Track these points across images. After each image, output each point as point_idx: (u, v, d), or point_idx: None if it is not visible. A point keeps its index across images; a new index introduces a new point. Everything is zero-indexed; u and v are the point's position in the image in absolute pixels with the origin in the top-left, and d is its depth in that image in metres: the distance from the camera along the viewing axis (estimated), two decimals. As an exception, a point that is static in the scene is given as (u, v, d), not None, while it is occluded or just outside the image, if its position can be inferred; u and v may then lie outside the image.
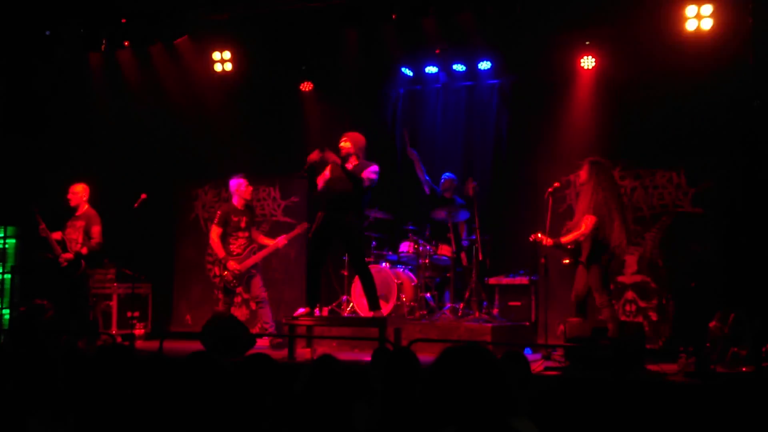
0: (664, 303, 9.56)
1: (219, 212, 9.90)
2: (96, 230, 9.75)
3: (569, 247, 8.40)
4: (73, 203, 9.84)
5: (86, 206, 9.87)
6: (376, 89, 12.06)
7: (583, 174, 8.37)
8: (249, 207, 9.99)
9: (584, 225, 8.14)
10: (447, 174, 10.70)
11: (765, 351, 7.15)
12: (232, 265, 9.67)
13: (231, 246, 9.72)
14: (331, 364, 4.68)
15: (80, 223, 9.74)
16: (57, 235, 9.71)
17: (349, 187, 8.53)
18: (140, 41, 10.30)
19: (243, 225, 9.76)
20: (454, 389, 2.59)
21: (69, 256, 9.61)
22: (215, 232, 9.75)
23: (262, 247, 9.84)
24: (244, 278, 9.72)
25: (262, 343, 9.90)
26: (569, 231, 8.35)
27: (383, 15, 9.38)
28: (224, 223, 9.76)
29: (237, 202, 9.83)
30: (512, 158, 11.12)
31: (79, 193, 9.86)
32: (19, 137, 11.18)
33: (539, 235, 8.46)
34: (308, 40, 10.89)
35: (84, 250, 9.64)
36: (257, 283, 9.78)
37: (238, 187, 9.84)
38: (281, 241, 9.81)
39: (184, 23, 10.15)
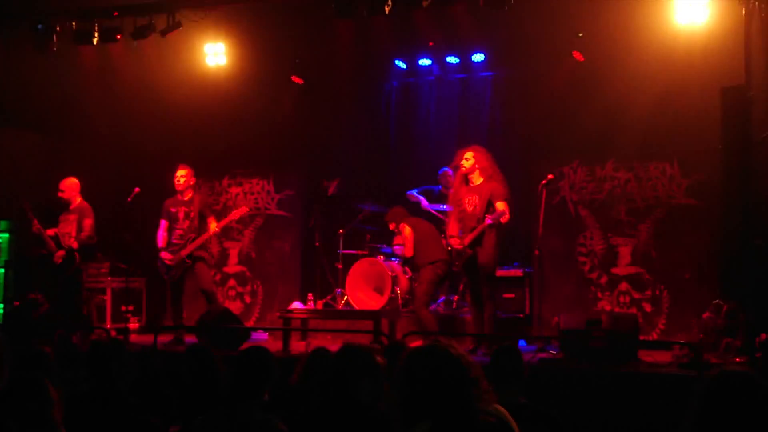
0: (658, 294, 9.59)
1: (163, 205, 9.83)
2: (88, 223, 9.62)
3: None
4: (65, 197, 9.75)
5: (79, 199, 9.75)
6: (370, 82, 12.06)
7: (479, 160, 8.41)
8: (193, 198, 9.68)
9: (505, 209, 8.20)
10: (444, 168, 10.70)
11: (758, 342, 7.17)
12: (163, 255, 9.60)
13: (173, 237, 9.63)
14: (325, 356, 4.69)
15: (73, 217, 9.65)
16: (51, 232, 9.64)
17: None
18: (132, 35, 10.25)
19: (182, 216, 9.61)
20: (423, 387, 2.76)
21: (62, 252, 9.54)
22: (161, 225, 9.74)
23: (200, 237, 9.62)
24: (180, 269, 9.55)
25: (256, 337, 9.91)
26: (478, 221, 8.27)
27: (376, 7, 9.35)
28: (166, 215, 9.73)
29: (176, 190, 9.73)
30: (506, 150, 11.10)
31: (70, 187, 9.74)
32: (10, 131, 11.15)
33: (453, 240, 8.47)
34: (301, 32, 10.87)
35: (75, 244, 9.55)
36: (201, 274, 9.57)
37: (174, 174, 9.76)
38: (214, 229, 9.57)
39: (176, 16, 10.11)
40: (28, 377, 3.47)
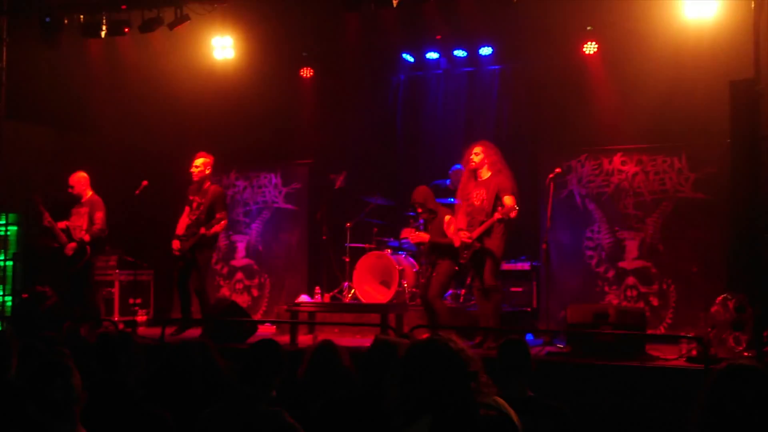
0: (665, 288, 9.57)
1: None
2: (99, 216, 9.68)
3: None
4: (75, 192, 9.79)
5: (90, 193, 9.82)
6: (378, 75, 12.05)
7: (488, 155, 8.38)
8: (208, 190, 9.46)
9: (514, 204, 8.10)
10: (457, 165, 10.64)
11: (766, 336, 7.15)
12: (174, 242, 9.50)
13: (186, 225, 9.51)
14: (330, 349, 4.71)
15: (84, 210, 9.72)
16: (62, 225, 9.69)
17: None
18: (140, 28, 10.25)
19: (194, 206, 9.45)
20: (422, 381, 2.76)
21: (74, 245, 9.60)
22: (184, 211, 9.61)
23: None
24: (184, 261, 9.41)
25: (264, 330, 9.93)
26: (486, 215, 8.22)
27: (384, 0, 9.33)
28: (187, 202, 9.60)
29: (192, 178, 9.57)
30: (513, 144, 11.09)
31: (80, 181, 9.79)
32: (19, 124, 11.17)
33: (461, 233, 8.35)
34: (309, 26, 10.87)
35: (87, 237, 9.61)
36: (194, 276, 9.42)
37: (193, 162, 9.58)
38: (202, 229, 9.23)
39: (184, 9, 10.10)
40: (58, 365, 3.47)
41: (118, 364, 4.53)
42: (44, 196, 9.84)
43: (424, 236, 9.01)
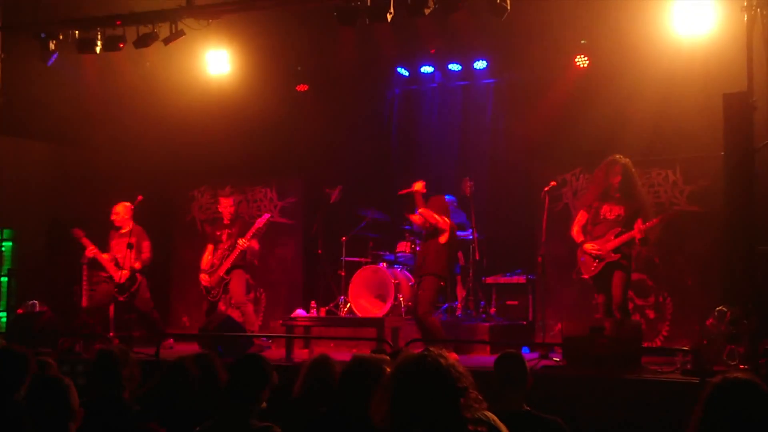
0: (661, 301, 9.57)
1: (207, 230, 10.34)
2: (146, 245, 10.04)
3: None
4: (117, 222, 10.03)
5: (131, 223, 10.04)
6: (373, 89, 12.08)
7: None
8: (235, 220, 9.99)
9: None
10: (447, 197, 10.59)
11: (761, 348, 7.15)
12: (202, 278, 9.88)
13: (214, 258, 9.90)
14: (326, 363, 4.70)
15: (131, 240, 9.93)
16: (108, 256, 9.93)
17: None
18: (135, 43, 10.25)
19: (224, 238, 9.85)
20: (410, 398, 2.74)
21: (127, 273, 9.82)
22: (207, 249, 10.06)
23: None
24: (219, 288, 9.81)
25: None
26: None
27: (378, 15, 9.34)
28: (212, 239, 10.06)
29: (224, 216, 10.02)
30: (508, 157, 11.13)
31: (122, 212, 10.02)
32: (14, 140, 11.16)
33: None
34: (304, 40, 10.89)
35: (137, 265, 9.89)
36: (234, 288, 9.81)
37: (220, 203, 10.19)
38: (242, 245, 9.71)
39: (179, 25, 10.11)
40: (54, 382, 3.48)
41: (116, 380, 4.52)
42: (83, 228, 10.03)
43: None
